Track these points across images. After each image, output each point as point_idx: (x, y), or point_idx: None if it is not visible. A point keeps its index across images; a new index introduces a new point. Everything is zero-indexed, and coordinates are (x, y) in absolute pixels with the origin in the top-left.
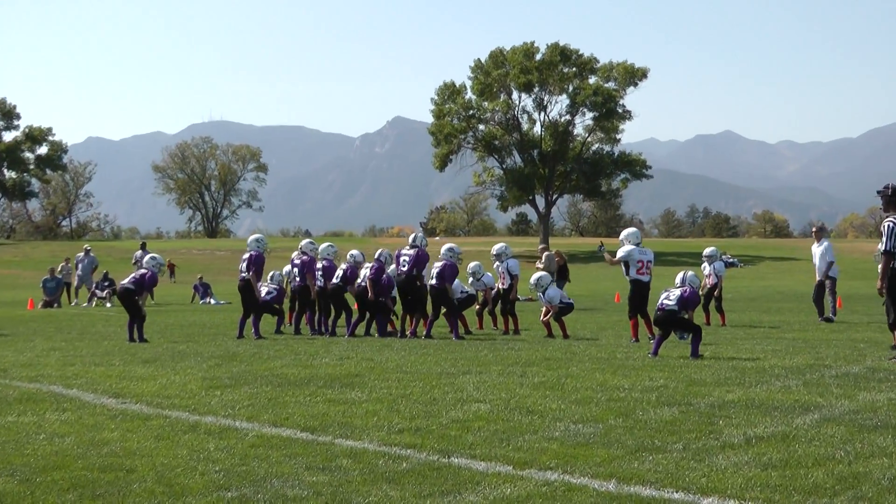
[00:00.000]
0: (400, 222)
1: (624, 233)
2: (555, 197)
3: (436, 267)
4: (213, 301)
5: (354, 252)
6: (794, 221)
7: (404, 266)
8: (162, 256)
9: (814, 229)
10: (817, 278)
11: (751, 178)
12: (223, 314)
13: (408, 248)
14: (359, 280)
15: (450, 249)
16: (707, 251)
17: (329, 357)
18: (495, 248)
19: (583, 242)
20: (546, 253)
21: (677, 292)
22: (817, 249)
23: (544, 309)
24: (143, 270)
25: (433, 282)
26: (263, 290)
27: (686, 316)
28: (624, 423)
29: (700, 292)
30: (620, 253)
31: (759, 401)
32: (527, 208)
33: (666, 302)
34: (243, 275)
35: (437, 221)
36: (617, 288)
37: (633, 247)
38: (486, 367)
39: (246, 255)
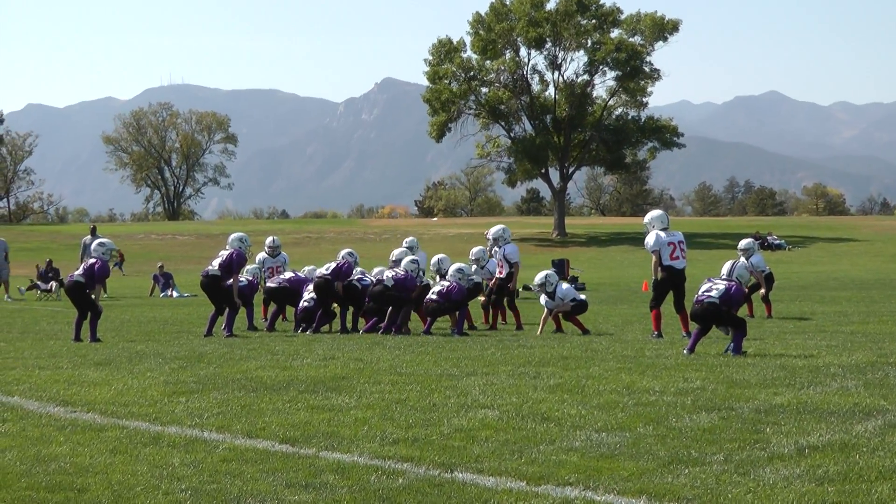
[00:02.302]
0: (391, 201)
1: (648, 216)
2: (571, 170)
3: (441, 286)
4: (175, 293)
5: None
6: (850, 196)
7: (389, 282)
8: (112, 242)
9: None
10: None
11: (800, 147)
12: (188, 308)
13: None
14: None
15: (459, 270)
16: (742, 244)
17: (311, 357)
18: (492, 230)
19: (604, 223)
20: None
21: (722, 286)
22: None
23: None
24: (91, 260)
25: (434, 297)
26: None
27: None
28: (655, 432)
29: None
30: (650, 243)
31: (812, 405)
32: (539, 184)
33: (707, 294)
34: (210, 269)
35: (434, 200)
36: (644, 275)
37: (659, 232)
38: (494, 368)
39: (224, 253)
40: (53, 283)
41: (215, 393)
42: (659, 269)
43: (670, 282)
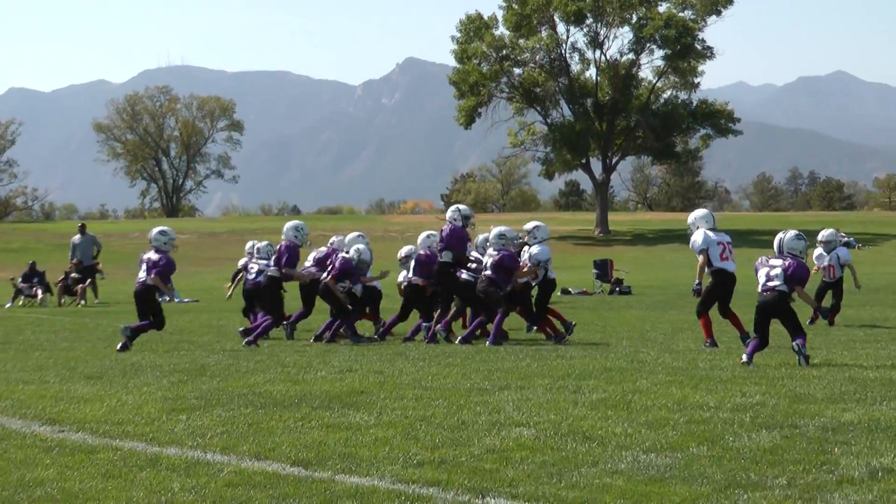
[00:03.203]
0: (415, 195)
1: (693, 216)
2: (615, 160)
3: (489, 257)
4: (175, 299)
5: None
6: None
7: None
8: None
9: None
10: None
11: (870, 133)
12: (189, 315)
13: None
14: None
15: (502, 235)
16: (824, 234)
17: (326, 370)
18: (528, 224)
19: (651, 219)
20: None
21: (778, 268)
22: None
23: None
24: (153, 256)
25: (487, 272)
26: (254, 270)
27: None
28: (710, 452)
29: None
30: (698, 241)
31: (885, 422)
32: (579, 175)
33: (770, 283)
34: (269, 270)
35: (462, 193)
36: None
37: (707, 231)
38: (530, 381)
39: (281, 245)
40: (39, 289)
41: (219, 410)
42: (706, 271)
43: (722, 286)
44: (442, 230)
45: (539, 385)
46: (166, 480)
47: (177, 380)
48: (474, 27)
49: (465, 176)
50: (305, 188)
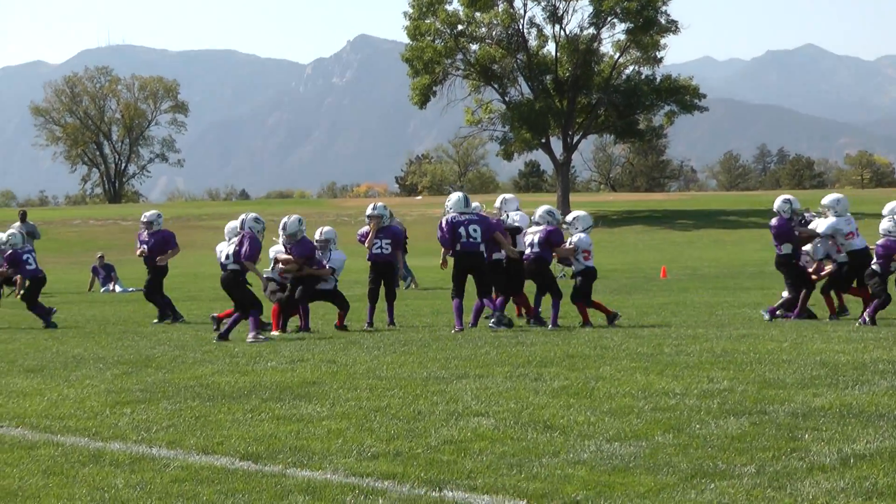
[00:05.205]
0: (368, 178)
1: (826, 199)
2: (576, 139)
3: (535, 232)
4: (118, 288)
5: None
6: None
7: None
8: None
9: None
10: None
11: (842, 108)
12: (132, 305)
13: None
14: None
15: (549, 213)
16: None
17: (277, 359)
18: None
19: (615, 199)
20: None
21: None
22: None
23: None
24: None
25: (535, 249)
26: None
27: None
28: (675, 440)
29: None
30: (823, 227)
31: (858, 407)
32: (539, 155)
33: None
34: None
35: (418, 175)
36: (662, 260)
37: (836, 218)
38: (489, 370)
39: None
40: None
41: (165, 402)
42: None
43: (853, 268)
44: (773, 225)
45: (498, 373)
46: (110, 476)
47: (121, 372)
48: (427, 2)
49: (420, 157)
50: (254, 172)
